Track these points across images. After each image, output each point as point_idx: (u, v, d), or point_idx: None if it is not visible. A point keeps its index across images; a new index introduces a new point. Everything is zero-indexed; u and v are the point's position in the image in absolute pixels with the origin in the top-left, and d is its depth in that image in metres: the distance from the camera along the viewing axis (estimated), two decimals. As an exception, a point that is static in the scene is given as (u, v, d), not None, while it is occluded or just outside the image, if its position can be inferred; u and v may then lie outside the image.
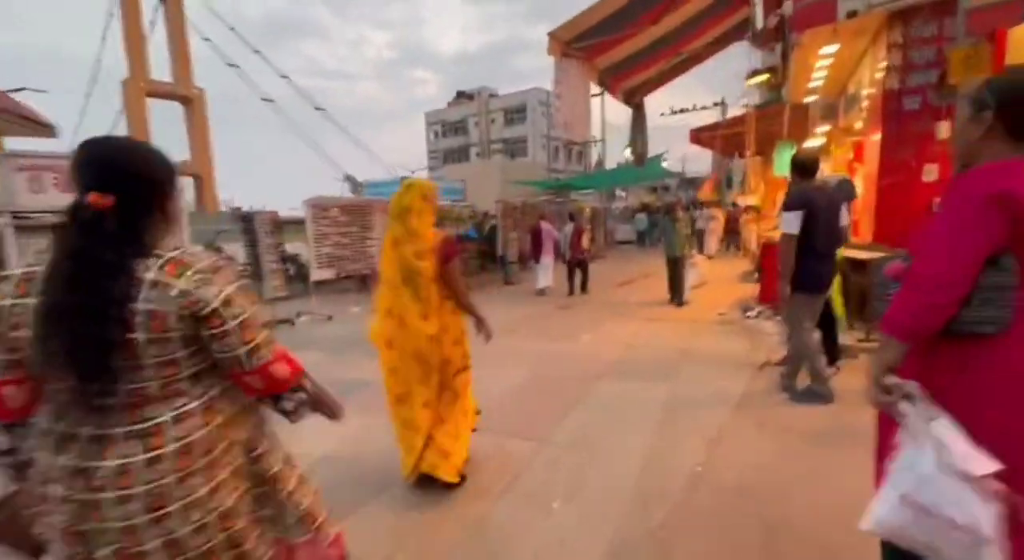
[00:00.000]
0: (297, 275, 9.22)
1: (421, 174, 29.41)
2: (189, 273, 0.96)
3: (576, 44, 5.60)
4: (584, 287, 8.89)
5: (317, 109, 27.88)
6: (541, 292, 9.00)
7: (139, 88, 20.06)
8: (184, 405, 0.98)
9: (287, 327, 7.10)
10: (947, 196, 1.17)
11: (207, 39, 23.49)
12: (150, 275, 0.92)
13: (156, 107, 21.02)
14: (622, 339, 5.52)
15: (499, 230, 11.28)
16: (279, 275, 7.28)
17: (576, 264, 8.76)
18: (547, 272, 8.99)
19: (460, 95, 45.99)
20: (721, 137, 11.63)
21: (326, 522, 1.23)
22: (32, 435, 0.97)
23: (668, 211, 7.75)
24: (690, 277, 7.28)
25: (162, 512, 0.93)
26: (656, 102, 43.12)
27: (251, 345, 1.01)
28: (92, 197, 0.90)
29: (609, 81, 7.20)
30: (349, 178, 14.32)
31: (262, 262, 7.17)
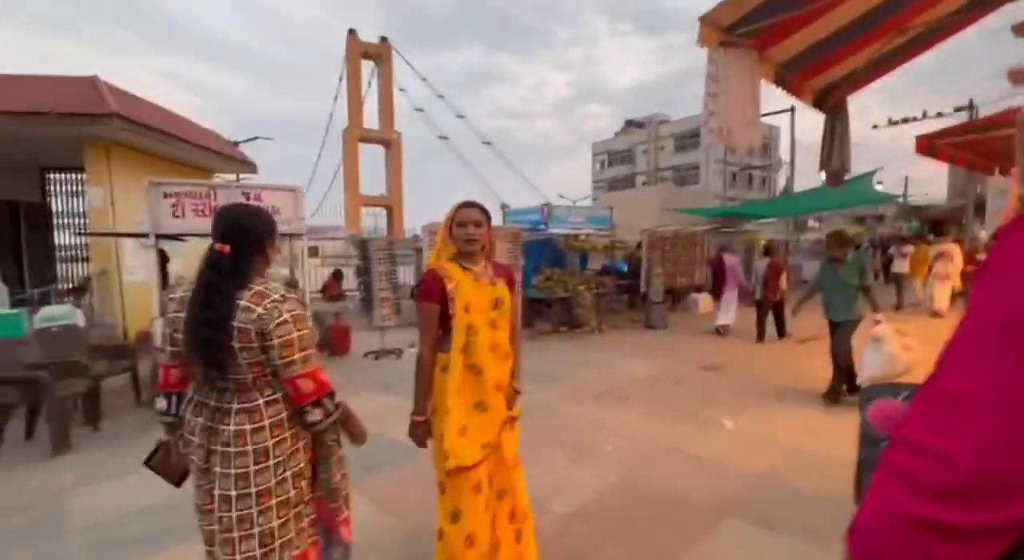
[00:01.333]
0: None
1: (583, 202, 28.92)
2: (266, 302, 1.37)
3: (740, 29, 4.04)
4: (782, 332, 7.65)
5: (484, 143, 29.96)
6: (721, 330, 8.06)
7: (354, 135, 24.73)
8: (271, 394, 1.42)
9: (392, 358, 6.73)
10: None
11: (402, 90, 27.37)
12: (242, 302, 1.36)
13: (364, 150, 25.23)
14: (781, 438, 3.68)
15: (644, 263, 9.73)
16: (389, 303, 7.00)
17: (770, 306, 7.60)
18: (729, 309, 8.15)
19: (629, 124, 44.94)
20: (970, 145, 8.28)
21: (347, 499, 1.59)
22: (184, 402, 1.49)
23: (832, 247, 4.70)
24: (870, 358, 4.04)
25: (262, 465, 1.37)
26: (863, 110, 35.89)
27: (286, 360, 1.37)
28: (217, 245, 1.41)
29: (791, 78, 5.15)
30: (504, 206, 14.21)
31: (373, 289, 6.98)
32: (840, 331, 4.59)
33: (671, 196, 19.14)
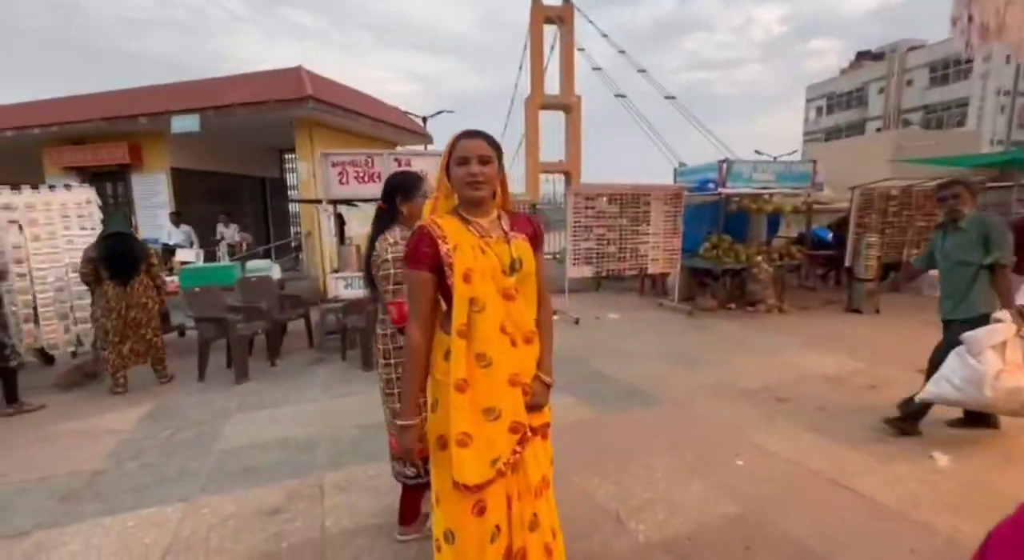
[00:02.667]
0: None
1: (789, 158, 24.62)
2: (385, 245, 1.89)
3: None
4: None
5: (667, 98, 27.45)
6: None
7: (536, 102, 25.39)
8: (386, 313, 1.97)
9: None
10: None
11: (581, 49, 26.77)
12: (379, 244, 1.91)
13: (545, 116, 25.76)
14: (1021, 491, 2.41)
15: (850, 230, 7.68)
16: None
17: None
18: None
19: (861, 57, 36.08)
20: None
21: None
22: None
23: (944, 201, 2.94)
24: (952, 370, 2.71)
25: (384, 363, 2.02)
26: None
27: (382, 288, 1.88)
28: (379, 205, 2.02)
29: None
30: (680, 165, 13.01)
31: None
32: (948, 334, 2.91)
33: (911, 143, 14.76)
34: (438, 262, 1.36)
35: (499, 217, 1.46)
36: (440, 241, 1.36)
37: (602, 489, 2.53)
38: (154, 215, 10.05)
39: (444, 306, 1.44)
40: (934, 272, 3.18)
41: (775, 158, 24.51)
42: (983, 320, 2.73)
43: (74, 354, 5.16)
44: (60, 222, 4.88)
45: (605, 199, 6.92)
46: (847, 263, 7.72)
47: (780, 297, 7.43)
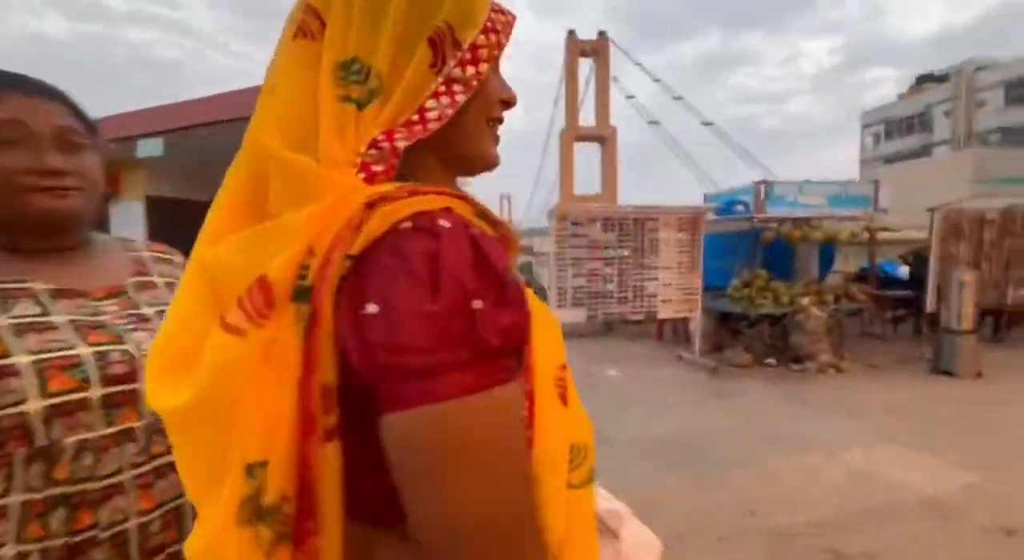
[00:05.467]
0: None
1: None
2: None
3: None
4: None
5: (705, 124, 26.22)
6: None
7: (571, 135, 24.94)
8: None
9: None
10: None
11: (615, 78, 26.32)
12: None
13: (581, 149, 25.38)
14: None
15: (932, 263, 5.86)
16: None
17: None
18: None
19: (922, 80, 33.49)
20: None
21: None
22: None
23: None
24: None
25: None
26: None
27: None
28: None
29: None
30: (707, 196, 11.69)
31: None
32: None
33: (997, 162, 12.50)
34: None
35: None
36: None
37: None
38: (129, 246, 9.43)
39: None
40: None
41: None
42: None
43: None
44: None
45: (598, 225, 5.48)
46: (929, 307, 5.87)
47: (837, 351, 5.65)
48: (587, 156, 26.09)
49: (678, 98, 27.40)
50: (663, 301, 5.69)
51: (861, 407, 4.15)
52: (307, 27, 0.41)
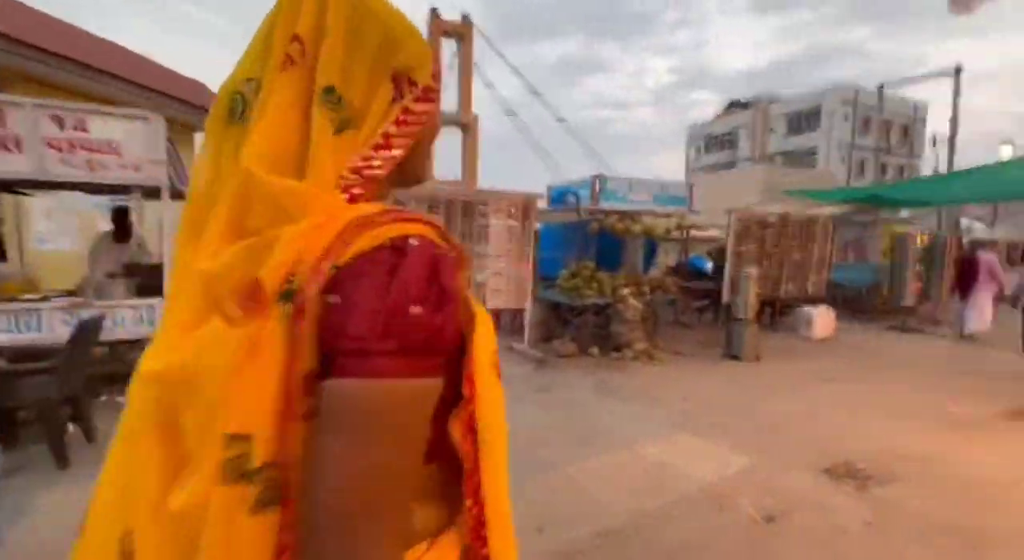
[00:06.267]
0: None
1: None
2: None
3: None
4: None
5: (558, 120, 27.37)
6: (968, 337, 7.34)
7: None
8: None
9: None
10: None
11: (476, 64, 26.00)
12: None
13: (444, 134, 24.46)
14: None
15: (728, 259, 6.56)
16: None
17: None
18: (983, 312, 7.40)
19: (732, 106, 39.51)
20: None
21: None
22: None
23: None
24: None
25: None
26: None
27: None
28: None
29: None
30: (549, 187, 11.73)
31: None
32: None
33: (779, 177, 15.02)
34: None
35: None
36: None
37: None
38: None
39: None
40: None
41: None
42: None
43: None
44: None
45: (424, 209, 5.00)
46: (724, 298, 6.56)
47: (652, 339, 6.00)
48: (448, 142, 25.60)
49: (535, 93, 28.21)
50: (493, 291, 5.44)
51: (664, 395, 4.34)
52: (292, 56, 0.48)
